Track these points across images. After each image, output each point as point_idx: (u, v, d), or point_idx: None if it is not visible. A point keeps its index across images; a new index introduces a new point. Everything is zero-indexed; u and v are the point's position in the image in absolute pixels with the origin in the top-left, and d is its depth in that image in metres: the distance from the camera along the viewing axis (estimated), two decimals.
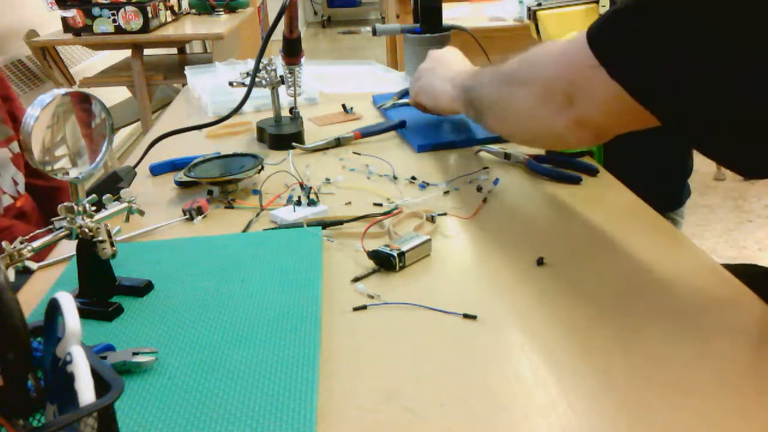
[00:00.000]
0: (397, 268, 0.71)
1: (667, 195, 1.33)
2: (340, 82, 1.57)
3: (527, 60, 0.74)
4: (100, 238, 0.66)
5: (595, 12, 0.95)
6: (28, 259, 0.62)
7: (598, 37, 0.63)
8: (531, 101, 0.72)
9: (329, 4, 8.22)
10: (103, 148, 0.68)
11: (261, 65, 1.11)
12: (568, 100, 0.67)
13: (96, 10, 2.65)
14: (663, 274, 0.67)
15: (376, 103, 1.35)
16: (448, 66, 1.02)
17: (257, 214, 0.87)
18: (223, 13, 3.28)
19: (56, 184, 1.31)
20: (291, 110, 1.18)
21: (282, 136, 1.12)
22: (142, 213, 0.74)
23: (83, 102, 0.66)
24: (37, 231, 0.68)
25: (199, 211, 0.88)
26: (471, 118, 0.91)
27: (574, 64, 0.65)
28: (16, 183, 1.23)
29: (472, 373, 0.55)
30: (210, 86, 1.49)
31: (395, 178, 0.97)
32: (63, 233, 0.65)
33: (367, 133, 1.14)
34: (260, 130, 1.17)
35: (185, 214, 0.88)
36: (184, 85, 1.68)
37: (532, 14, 0.98)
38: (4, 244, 0.61)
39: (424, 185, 0.93)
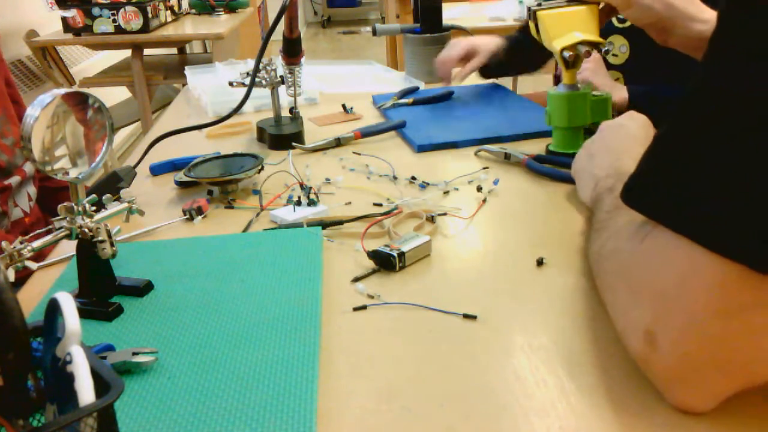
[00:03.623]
0: (397, 268, 0.71)
1: None
2: (340, 82, 1.57)
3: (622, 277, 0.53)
4: (100, 238, 0.66)
5: (595, 12, 0.95)
6: (28, 259, 0.62)
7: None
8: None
9: (329, 4, 8.23)
10: (103, 148, 0.68)
11: (261, 65, 1.11)
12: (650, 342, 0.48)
13: (96, 10, 2.65)
14: None
15: (376, 103, 1.35)
16: (606, 154, 0.79)
17: (257, 214, 0.87)
18: (223, 13, 3.28)
19: (64, 185, 1.32)
20: (291, 110, 1.19)
21: (282, 136, 1.12)
22: (142, 213, 0.74)
23: (83, 102, 0.66)
24: (37, 231, 0.68)
25: (199, 211, 0.88)
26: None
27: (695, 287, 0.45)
28: (30, 198, 1.24)
29: (472, 373, 0.55)
30: (210, 86, 1.49)
31: (395, 178, 0.97)
32: (63, 233, 0.65)
33: (367, 133, 1.14)
34: (260, 130, 1.17)
35: (185, 214, 0.88)
36: (184, 85, 1.68)
37: (532, 14, 0.98)
38: (4, 243, 0.61)
39: (424, 185, 0.93)
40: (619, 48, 1.31)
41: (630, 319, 0.50)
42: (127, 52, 2.90)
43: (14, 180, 1.19)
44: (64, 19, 2.67)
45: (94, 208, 0.67)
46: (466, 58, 1.35)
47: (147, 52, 2.87)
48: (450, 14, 2.27)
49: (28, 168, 1.23)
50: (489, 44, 1.34)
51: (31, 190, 1.25)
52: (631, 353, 0.51)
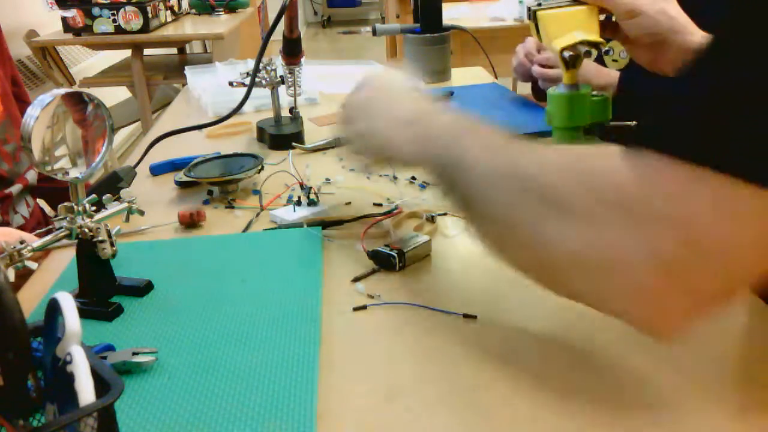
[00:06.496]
0: (397, 268, 0.71)
1: None
2: (340, 82, 1.56)
3: (582, 180, 0.48)
4: (100, 238, 0.66)
5: (595, 12, 0.95)
6: (28, 259, 0.62)
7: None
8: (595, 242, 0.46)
9: (329, 4, 8.22)
10: (103, 148, 0.68)
11: (261, 65, 1.11)
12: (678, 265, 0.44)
13: (96, 10, 2.65)
14: None
15: None
16: (393, 100, 0.71)
17: (257, 214, 0.87)
18: (223, 13, 3.28)
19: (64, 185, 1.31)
20: (291, 110, 1.18)
21: (282, 136, 1.12)
22: (142, 213, 0.74)
23: (83, 102, 0.66)
24: (38, 231, 0.68)
25: (198, 216, 0.86)
26: (443, 194, 0.65)
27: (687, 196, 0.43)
28: (28, 205, 1.23)
29: (472, 373, 0.55)
30: (210, 86, 1.49)
31: (395, 178, 0.97)
32: (63, 233, 0.65)
33: None
34: (260, 130, 1.17)
35: (182, 224, 0.86)
36: (184, 85, 1.68)
37: (532, 14, 0.98)
38: (4, 243, 0.61)
39: (424, 185, 0.93)
40: (620, 53, 1.30)
41: (633, 250, 0.44)
42: (127, 52, 2.90)
43: (15, 188, 1.18)
44: (64, 19, 2.67)
45: (94, 208, 0.67)
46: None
47: (147, 52, 2.87)
48: (450, 14, 2.27)
49: (30, 176, 1.23)
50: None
51: (29, 199, 1.24)
52: (634, 284, 0.45)
